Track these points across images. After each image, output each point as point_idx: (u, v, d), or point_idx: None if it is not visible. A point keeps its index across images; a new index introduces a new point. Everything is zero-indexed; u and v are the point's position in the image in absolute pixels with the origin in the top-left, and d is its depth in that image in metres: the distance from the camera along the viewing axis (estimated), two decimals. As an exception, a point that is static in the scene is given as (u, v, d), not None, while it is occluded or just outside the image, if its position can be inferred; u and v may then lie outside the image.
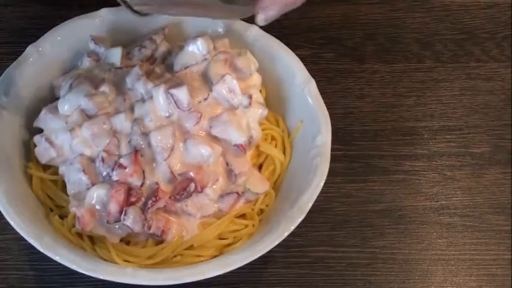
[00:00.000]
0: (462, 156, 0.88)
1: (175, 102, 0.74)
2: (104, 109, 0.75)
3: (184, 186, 0.73)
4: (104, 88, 0.76)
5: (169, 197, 0.72)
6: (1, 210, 0.70)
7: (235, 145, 0.75)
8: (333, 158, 0.76)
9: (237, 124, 0.75)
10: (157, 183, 0.72)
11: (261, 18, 0.64)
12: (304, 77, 0.81)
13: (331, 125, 0.78)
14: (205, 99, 0.75)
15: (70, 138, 0.74)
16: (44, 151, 0.76)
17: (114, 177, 0.71)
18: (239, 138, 0.75)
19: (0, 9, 0.93)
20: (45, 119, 0.77)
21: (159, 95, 0.73)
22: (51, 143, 0.75)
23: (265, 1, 0.64)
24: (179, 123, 0.74)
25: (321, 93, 0.80)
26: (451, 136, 0.90)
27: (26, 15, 0.90)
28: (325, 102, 0.79)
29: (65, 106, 0.76)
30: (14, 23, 0.89)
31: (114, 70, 0.79)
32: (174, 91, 0.73)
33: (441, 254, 0.81)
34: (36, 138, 0.76)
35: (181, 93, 0.73)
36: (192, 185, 0.73)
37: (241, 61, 0.79)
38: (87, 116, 0.75)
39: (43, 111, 0.77)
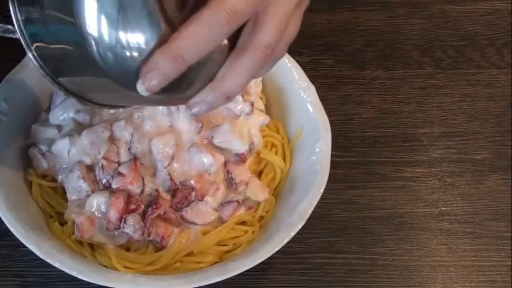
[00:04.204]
0: (462, 163, 0.88)
1: (178, 111, 0.74)
2: (98, 118, 0.75)
3: (185, 195, 0.73)
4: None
5: (171, 206, 0.73)
6: (1, 217, 0.70)
7: (236, 154, 0.76)
8: (333, 165, 0.76)
9: (239, 133, 0.75)
10: (157, 191, 0.72)
11: (142, 89, 0.52)
12: (304, 83, 0.81)
13: (331, 131, 0.78)
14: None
15: (68, 145, 0.74)
16: (38, 162, 0.76)
17: (114, 185, 0.71)
18: (241, 147, 0.75)
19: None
20: (37, 133, 0.77)
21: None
22: (43, 154, 0.75)
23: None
24: (180, 132, 0.74)
25: (321, 100, 0.80)
26: (451, 142, 0.90)
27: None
28: (325, 109, 0.79)
29: (55, 118, 0.77)
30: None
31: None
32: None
33: (441, 261, 0.81)
34: (31, 151, 0.76)
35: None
36: (193, 194, 0.73)
37: None
38: (82, 125, 0.75)
39: (32, 128, 0.78)
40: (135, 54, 0.51)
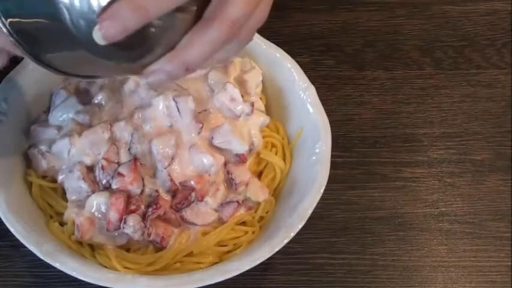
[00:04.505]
0: (462, 163, 0.88)
1: (178, 111, 0.74)
2: (97, 119, 0.75)
3: (185, 196, 0.73)
4: (100, 97, 0.76)
5: (171, 207, 0.73)
6: (1, 217, 0.70)
7: (236, 154, 0.76)
8: (333, 165, 0.76)
9: (239, 134, 0.75)
10: (157, 191, 0.72)
11: (98, 36, 0.52)
12: (304, 83, 0.81)
13: (331, 131, 0.78)
14: (206, 109, 0.76)
15: (68, 145, 0.74)
16: (38, 163, 0.76)
17: (114, 186, 0.71)
18: (241, 148, 0.75)
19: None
20: (37, 134, 0.77)
21: (161, 103, 0.74)
22: (42, 154, 0.75)
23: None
24: (180, 133, 0.74)
25: (321, 100, 0.80)
26: (451, 143, 0.90)
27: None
28: (325, 109, 0.79)
29: (55, 119, 0.77)
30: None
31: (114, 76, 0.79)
32: (179, 100, 0.73)
33: (441, 261, 0.81)
34: (31, 152, 0.76)
35: (186, 103, 0.73)
36: (193, 195, 0.73)
37: (251, 76, 0.79)
38: (81, 125, 0.75)
39: (32, 129, 0.78)
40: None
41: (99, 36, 0.51)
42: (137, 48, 0.53)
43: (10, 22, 0.54)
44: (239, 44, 0.57)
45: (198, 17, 0.55)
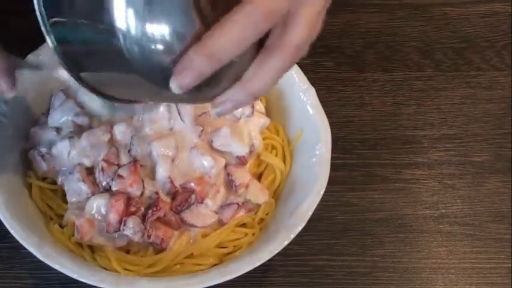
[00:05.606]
0: (462, 165, 0.88)
1: (179, 115, 0.74)
2: (97, 121, 0.75)
3: (185, 198, 0.73)
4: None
5: (171, 208, 0.73)
6: (1, 219, 0.70)
7: (237, 157, 0.76)
8: (333, 167, 0.76)
9: (239, 136, 0.76)
10: (157, 193, 0.72)
11: (175, 86, 0.52)
12: (304, 85, 0.81)
13: (331, 133, 0.78)
14: (206, 112, 0.76)
15: (68, 147, 0.74)
16: (38, 164, 0.76)
17: (114, 187, 0.71)
18: (241, 150, 0.75)
19: (5, 17, 0.93)
20: (36, 136, 0.77)
21: (161, 106, 0.74)
22: (42, 156, 0.75)
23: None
24: (180, 135, 0.74)
25: (321, 102, 0.80)
26: (451, 145, 0.90)
27: (28, 23, 0.90)
28: (325, 111, 0.79)
29: (54, 121, 0.77)
30: (16, 31, 0.89)
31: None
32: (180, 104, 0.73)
33: (441, 263, 0.81)
34: (31, 153, 0.77)
35: (187, 106, 0.73)
36: (193, 197, 0.73)
37: None
38: (81, 127, 0.75)
39: (31, 131, 0.77)
40: (165, 48, 0.50)
41: (175, 86, 0.51)
42: (205, 84, 0.53)
43: (61, 46, 0.54)
44: (296, 61, 0.58)
45: (259, 45, 0.55)
